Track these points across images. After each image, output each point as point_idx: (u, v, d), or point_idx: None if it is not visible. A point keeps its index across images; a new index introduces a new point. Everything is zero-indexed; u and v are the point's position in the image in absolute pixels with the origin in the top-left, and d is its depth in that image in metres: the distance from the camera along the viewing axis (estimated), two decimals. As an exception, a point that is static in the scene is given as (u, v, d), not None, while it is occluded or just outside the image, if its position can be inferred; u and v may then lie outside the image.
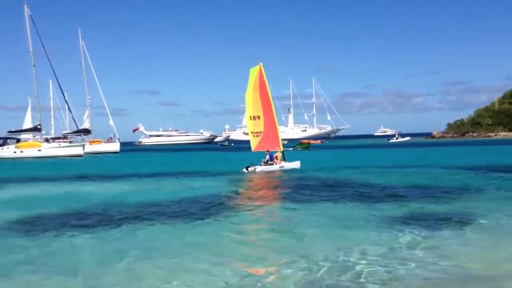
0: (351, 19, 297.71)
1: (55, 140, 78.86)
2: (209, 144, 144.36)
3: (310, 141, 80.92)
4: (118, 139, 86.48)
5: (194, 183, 25.37)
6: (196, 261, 9.76)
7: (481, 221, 12.97)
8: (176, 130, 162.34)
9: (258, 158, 33.04)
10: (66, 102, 78.97)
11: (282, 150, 33.88)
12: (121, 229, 13.20)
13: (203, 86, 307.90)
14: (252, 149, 34.85)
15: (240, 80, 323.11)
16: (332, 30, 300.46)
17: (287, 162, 33.22)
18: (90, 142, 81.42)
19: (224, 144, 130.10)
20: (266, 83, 34.57)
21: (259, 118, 34.30)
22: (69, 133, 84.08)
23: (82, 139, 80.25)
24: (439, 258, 9.56)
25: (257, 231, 13.04)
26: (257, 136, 34.53)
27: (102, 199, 19.84)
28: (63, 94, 77.41)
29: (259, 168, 31.43)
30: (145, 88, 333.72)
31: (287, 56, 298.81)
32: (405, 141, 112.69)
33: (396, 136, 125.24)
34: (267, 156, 32.83)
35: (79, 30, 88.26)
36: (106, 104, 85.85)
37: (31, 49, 69.99)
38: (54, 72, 74.09)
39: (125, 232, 12.86)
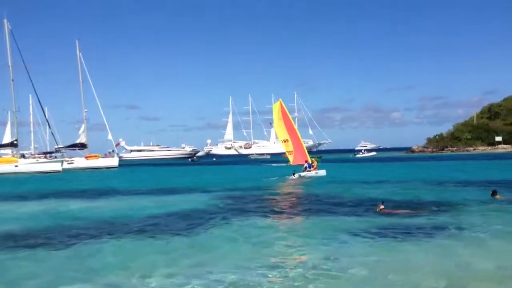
0: (328, 35, 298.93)
1: (46, 155, 77.38)
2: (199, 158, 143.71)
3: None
4: (117, 153, 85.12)
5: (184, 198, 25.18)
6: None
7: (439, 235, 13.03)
8: (158, 145, 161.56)
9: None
10: (46, 117, 78.24)
11: (310, 161, 42.38)
12: (70, 249, 12.97)
13: (183, 101, 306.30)
14: (291, 163, 45.92)
15: (221, 95, 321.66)
16: (310, 46, 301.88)
17: (318, 171, 41.03)
18: (87, 157, 79.72)
19: (194, 159, 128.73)
20: (288, 114, 46.90)
21: (288, 141, 46.05)
22: (62, 147, 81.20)
23: (61, 155, 78.64)
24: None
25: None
26: (290, 154, 46.27)
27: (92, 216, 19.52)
28: (42, 109, 76.42)
29: (302, 174, 39.64)
30: (124, 102, 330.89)
31: (268, 70, 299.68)
32: (371, 156, 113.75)
33: (362, 151, 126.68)
34: (306, 165, 41.50)
35: (77, 42, 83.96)
36: (104, 118, 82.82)
37: (10, 64, 69.47)
38: (33, 87, 71.43)
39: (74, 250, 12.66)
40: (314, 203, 21.85)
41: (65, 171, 69.53)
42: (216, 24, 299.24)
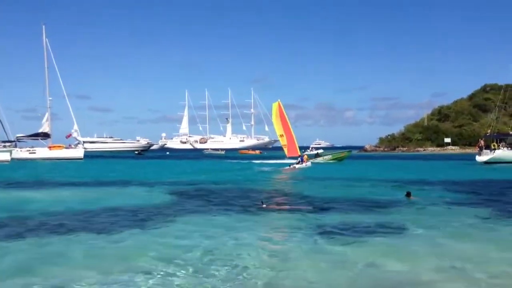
0: (282, 34, 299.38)
1: (5, 143, 75.26)
2: (145, 151, 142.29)
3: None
4: (83, 144, 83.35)
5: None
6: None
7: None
8: (111, 137, 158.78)
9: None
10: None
11: (301, 155, 50.70)
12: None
13: (136, 93, 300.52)
14: (286, 155, 55.33)
15: (176, 88, 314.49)
16: (266, 44, 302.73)
17: (307, 163, 48.58)
18: (50, 147, 77.82)
19: (140, 153, 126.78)
20: (284, 112, 56.36)
21: (283, 136, 55.73)
22: (23, 136, 79.52)
23: (12, 144, 76.62)
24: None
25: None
26: (285, 147, 55.89)
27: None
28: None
29: (297, 166, 47.07)
30: (74, 92, 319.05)
31: (225, 65, 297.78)
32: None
33: (310, 148, 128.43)
34: (299, 159, 49.40)
35: (43, 26, 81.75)
36: (70, 107, 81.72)
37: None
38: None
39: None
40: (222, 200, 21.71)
41: (26, 161, 68.61)
42: (173, 17, 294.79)
